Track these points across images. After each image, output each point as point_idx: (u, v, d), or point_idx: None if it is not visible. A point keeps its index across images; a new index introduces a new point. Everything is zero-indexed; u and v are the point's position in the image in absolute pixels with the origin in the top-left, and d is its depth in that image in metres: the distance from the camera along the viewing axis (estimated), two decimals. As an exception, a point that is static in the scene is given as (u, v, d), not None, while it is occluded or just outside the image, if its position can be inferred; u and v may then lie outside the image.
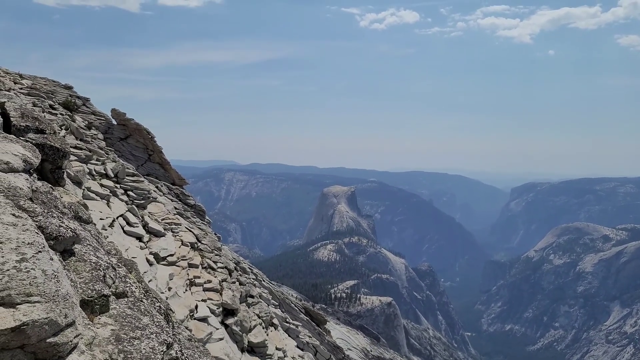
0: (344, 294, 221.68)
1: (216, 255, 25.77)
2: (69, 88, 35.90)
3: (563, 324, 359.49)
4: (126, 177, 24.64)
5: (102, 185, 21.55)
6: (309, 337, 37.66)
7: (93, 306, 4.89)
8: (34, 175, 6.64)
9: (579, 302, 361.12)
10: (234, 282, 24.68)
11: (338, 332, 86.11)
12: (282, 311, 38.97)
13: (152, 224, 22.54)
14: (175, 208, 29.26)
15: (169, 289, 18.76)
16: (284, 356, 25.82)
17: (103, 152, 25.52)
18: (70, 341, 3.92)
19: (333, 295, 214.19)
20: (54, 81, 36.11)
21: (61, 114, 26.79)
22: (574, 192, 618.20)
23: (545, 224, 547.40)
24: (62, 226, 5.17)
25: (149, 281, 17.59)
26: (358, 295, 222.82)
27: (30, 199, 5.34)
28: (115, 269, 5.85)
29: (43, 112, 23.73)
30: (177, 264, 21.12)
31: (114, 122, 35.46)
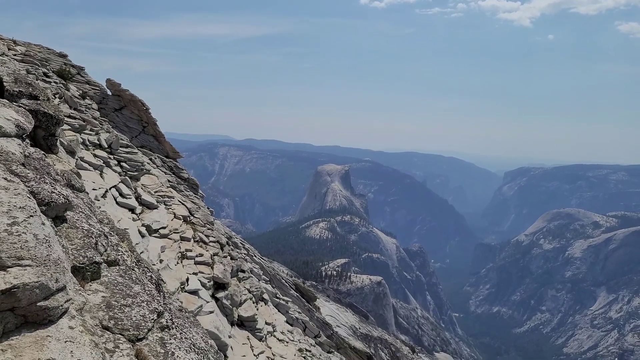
0: (335, 272, 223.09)
1: (208, 229, 25.82)
2: (64, 56, 35.38)
3: (550, 308, 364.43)
4: (120, 148, 24.51)
5: (95, 155, 21.42)
6: (299, 312, 38.04)
7: (84, 273, 4.90)
8: (27, 141, 6.59)
9: (567, 286, 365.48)
10: (225, 257, 24.77)
11: (327, 309, 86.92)
12: (272, 287, 39.27)
13: (145, 196, 22.50)
14: (169, 181, 29.18)
15: (161, 261, 18.83)
16: (274, 331, 26.09)
17: (97, 122, 25.33)
18: (61, 305, 3.94)
19: (324, 273, 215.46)
20: (48, 49, 35.53)
21: (55, 82, 26.48)
22: (566, 177, 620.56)
23: (537, 208, 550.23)
24: (54, 192, 5.15)
25: (141, 253, 17.62)
26: (348, 274, 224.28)
27: (23, 164, 5.30)
28: (107, 237, 5.84)
29: (37, 80, 23.44)
30: (169, 236, 21.15)
31: (109, 93, 35.11)
